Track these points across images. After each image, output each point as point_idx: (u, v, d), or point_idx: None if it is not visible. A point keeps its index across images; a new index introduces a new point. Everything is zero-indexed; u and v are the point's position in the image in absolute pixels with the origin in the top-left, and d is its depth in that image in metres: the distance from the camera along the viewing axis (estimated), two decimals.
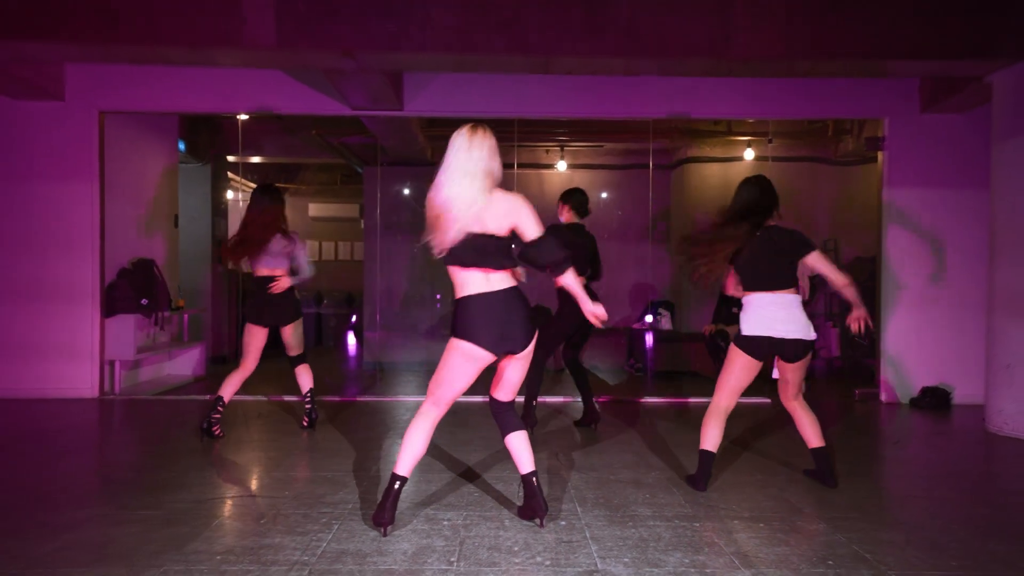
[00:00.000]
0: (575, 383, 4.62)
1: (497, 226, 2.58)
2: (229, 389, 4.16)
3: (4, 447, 4.00)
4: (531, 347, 2.67)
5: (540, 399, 5.15)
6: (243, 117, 6.79)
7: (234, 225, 11.09)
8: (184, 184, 8.01)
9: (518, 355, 2.66)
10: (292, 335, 4.41)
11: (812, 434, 3.25)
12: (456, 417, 4.92)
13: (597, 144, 7.91)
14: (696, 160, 8.17)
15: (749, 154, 7.79)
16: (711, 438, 3.21)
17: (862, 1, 4.38)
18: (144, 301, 6.02)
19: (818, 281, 7.61)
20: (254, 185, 11.08)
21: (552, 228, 2.76)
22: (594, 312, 2.67)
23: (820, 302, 7.81)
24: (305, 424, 4.46)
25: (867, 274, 6.54)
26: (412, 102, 5.75)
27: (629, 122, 6.08)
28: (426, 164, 8.40)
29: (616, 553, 2.46)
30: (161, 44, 4.30)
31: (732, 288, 3.41)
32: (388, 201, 8.18)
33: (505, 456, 3.73)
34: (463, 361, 2.59)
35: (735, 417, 4.93)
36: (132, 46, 4.31)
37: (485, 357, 2.58)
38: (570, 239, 4.03)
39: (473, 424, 4.67)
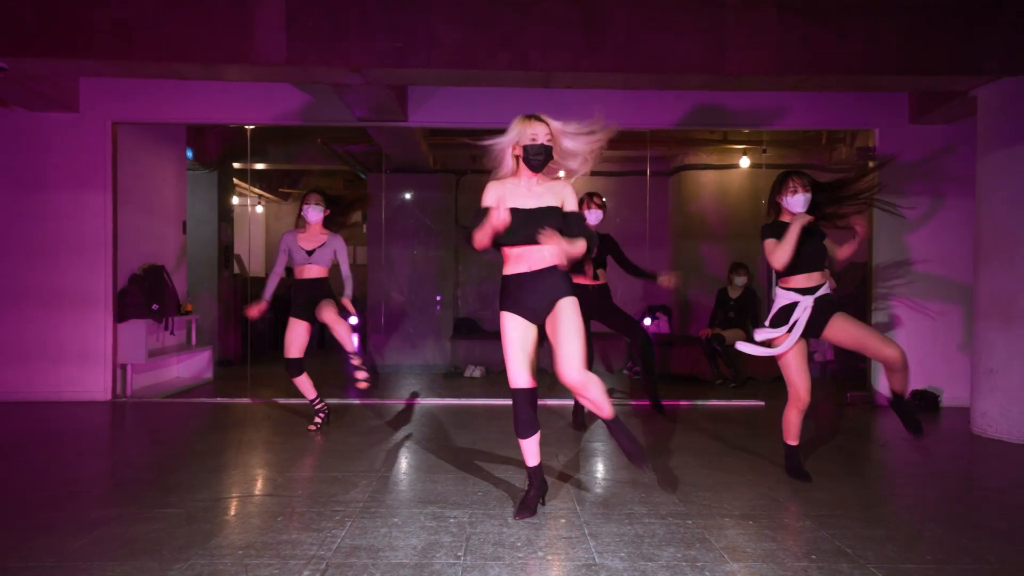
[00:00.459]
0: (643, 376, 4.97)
1: None
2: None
3: (25, 448, 4.16)
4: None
5: (540, 401, 5.35)
6: (250, 127, 6.95)
7: (240, 231, 11.30)
8: (192, 190, 8.19)
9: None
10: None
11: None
12: (459, 419, 5.09)
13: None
14: (693, 167, 8.34)
15: (744, 162, 7.96)
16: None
17: (851, 19, 4.56)
18: (155, 306, 6.19)
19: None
20: (260, 192, 11.24)
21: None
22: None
23: None
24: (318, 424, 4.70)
25: (859, 279, 6.71)
26: (416, 113, 5.92)
27: (627, 132, 6.23)
28: (428, 171, 8.58)
29: (613, 548, 2.62)
30: (175, 60, 4.46)
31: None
32: (389, 207, 8.34)
33: (507, 457, 3.90)
34: None
35: (729, 419, 5.13)
36: (146, 62, 4.47)
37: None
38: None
39: (476, 426, 4.83)
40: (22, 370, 5.72)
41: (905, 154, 5.91)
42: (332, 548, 2.57)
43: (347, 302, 4.61)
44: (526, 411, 2.93)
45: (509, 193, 2.93)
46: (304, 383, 4.67)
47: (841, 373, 7.45)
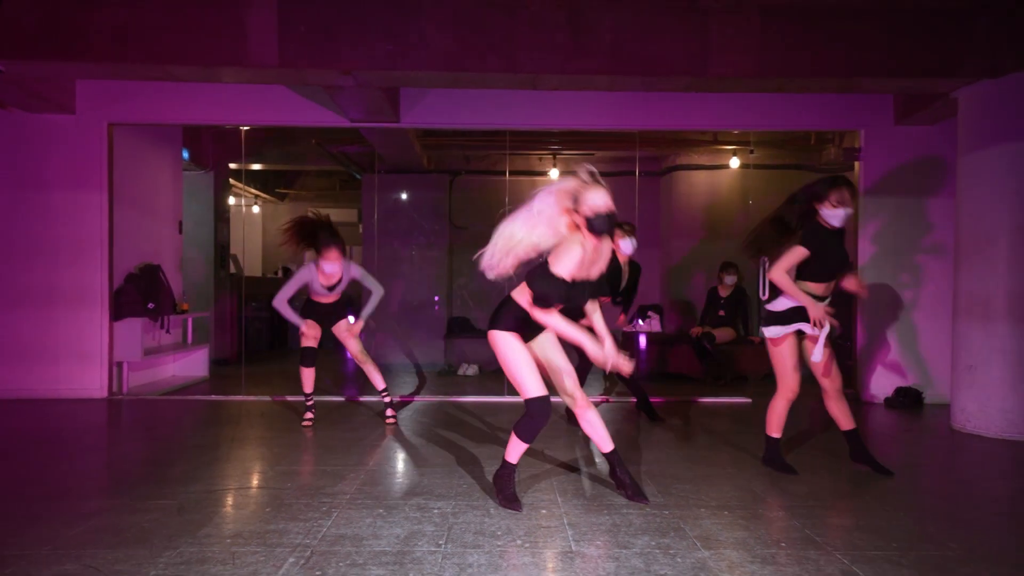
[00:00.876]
0: (628, 388, 5.08)
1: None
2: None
3: (22, 445, 4.25)
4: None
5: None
6: (247, 128, 7.03)
7: (237, 231, 11.38)
8: (188, 191, 8.27)
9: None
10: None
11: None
12: (451, 416, 5.18)
13: (588, 152, 8.17)
14: (684, 168, 8.44)
15: (734, 162, 8.06)
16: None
17: (833, 22, 4.65)
18: (151, 305, 6.27)
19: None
20: (256, 192, 11.32)
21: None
22: None
23: None
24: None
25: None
26: (408, 114, 6.01)
27: (616, 132, 6.34)
28: (422, 171, 8.67)
29: (589, 537, 2.71)
30: (169, 63, 4.55)
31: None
32: (384, 207, 8.43)
33: (491, 451, 3.99)
34: None
35: (717, 415, 5.21)
36: (142, 65, 4.56)
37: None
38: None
39: (468, 422, 4.92)
40: (19, 368, 5.80)
41: (890, 154, 6.00)
42: (318, 537, 2.66)
43: (359, 323, 4.78)
44: (542, 423, 2.99)
45: (584, 264, 2.91)
46: (309, 376, 4.80)
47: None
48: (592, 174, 2.93)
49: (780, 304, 3.58)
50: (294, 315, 4.67)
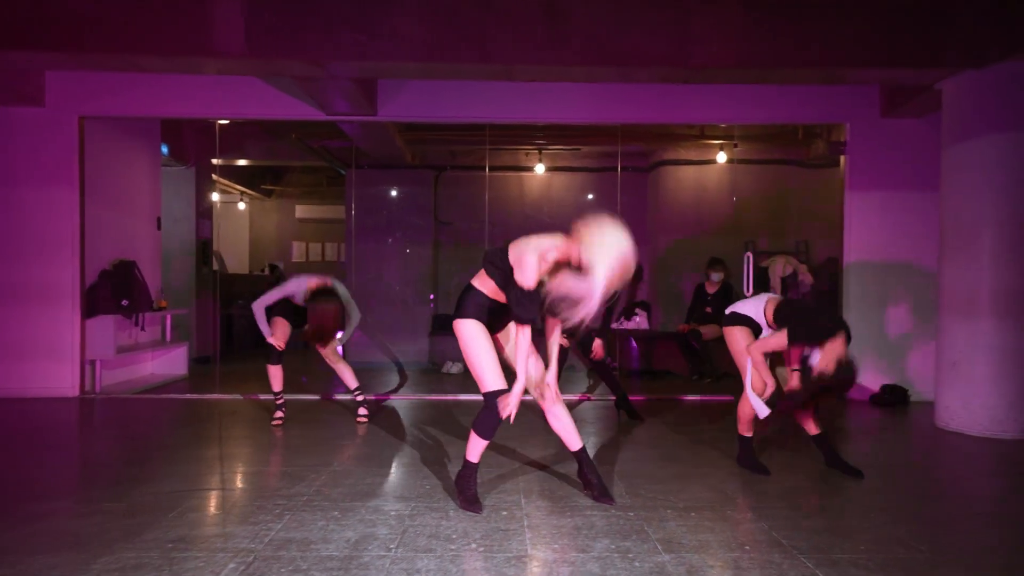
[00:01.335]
0: (607, 385, 4.92)
1: None
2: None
3: None
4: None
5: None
6: (223, 122, 6.92)
7: (220, 228, 11.24)
8: (169, 187, 8.16)
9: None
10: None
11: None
12: (427, 415, 5.08)
13: (574, 148, 8.06)
14: (671, 163, 8.33)
15: (722, 157, 7.96)
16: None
17: (815, 12, 4.54)
18: (124, 302, 6.16)
19: (789, 282, 7.81)
20: (240, 188, 11.20)
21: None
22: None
23: None
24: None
25: (832, 273, 6.71)
26: (386, 107, 5.90)
27: (597, 126, 6.23)
28: (406, 167, 8.57)
29: (548, 540, 2.61)
30: (132, 52, 4.44)
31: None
32: (368, 203, 8.33)
33: (462, 451, 3.88)
34: None
35: (699, 414, 5.09)
36: (103, 54, 4.45)
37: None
38: None
39: (444, 422, 4.82)
40: None
41: (877, 148, 5.90)
42: (264, 541, 2.56)
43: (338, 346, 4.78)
44: (497, 417, 2.88)
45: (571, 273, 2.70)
46: (276, 374, 4.70)
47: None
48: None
49: (745, 308, 3.58)
50: (265, 325, 4.63)
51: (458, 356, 7.88)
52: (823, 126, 7.41)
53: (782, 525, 2.77)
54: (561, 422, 3.03)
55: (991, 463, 3.94)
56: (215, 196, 10.34)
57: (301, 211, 11.69)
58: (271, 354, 4.67)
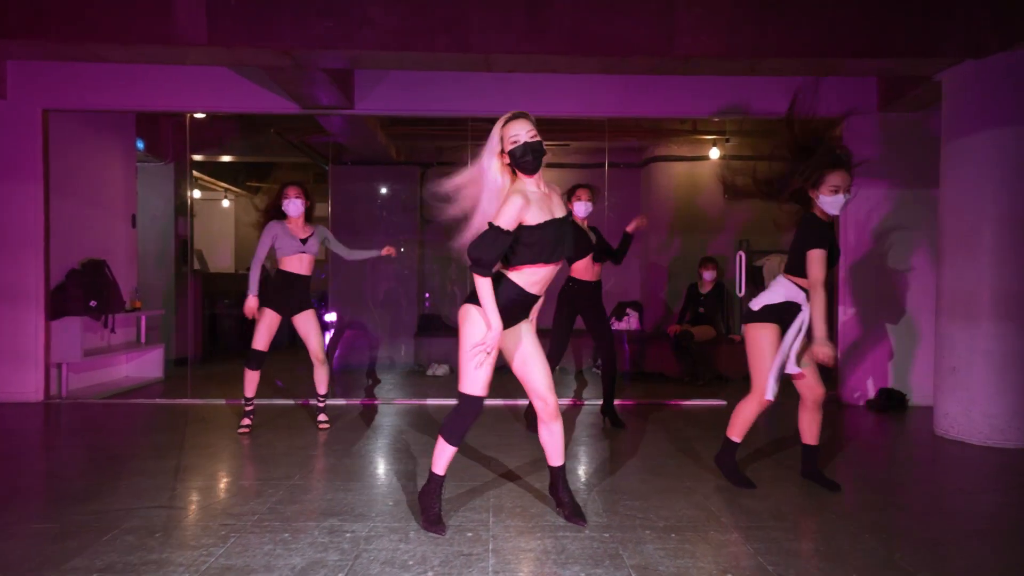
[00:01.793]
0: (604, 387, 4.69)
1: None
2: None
3: None
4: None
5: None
6: (199, 116, 6.69)
7: (203, 226, 11.00)
8: (146, 183, 7.93)
9: None
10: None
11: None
12: (409, 421, 4.86)
13: (563, 143, 7.84)
14: (663, 159, 8.11)
15: (714, 153, 7.74)
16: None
17: (807, 0, 4.32)
18: (92, 303, 5.94)
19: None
20: (224, 185, 10.97)
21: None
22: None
23: None
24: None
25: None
26: (363, 100, 5.67)
27: (584, 120, 6.00)
28: (391, 163, 8.34)
29: (512, 566, 2.39)
30: (91, 41, 4.21)
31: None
32: (350, 201, 8.10)
33: (426, 466, 3.66)
34: None
35: (687, 419, 4.86)
36: (61, 43, 4.22)
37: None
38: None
39: (424, 429, 4.60)
40: None
41: (873, 143, 5.68)
42: (200, 570, 2.34)
43: (389, 249, 4.70)
44: (469, 424, 2.69)
45: (534, 205, 2.58)
46: (253, 379, 4.46)
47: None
48: (514, 114, 2.64)
49: (774, 295, 3.20)
50: (256, 283, 4.34)
51: (444, 358, 7.66)
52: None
53: (769, 547, 2.56)
54: (553, 436, 2.82)
55: (993, 475, 3.73)
56: (196, 193, 10.12)
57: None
58: (251, 358, 4.40)
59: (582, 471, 3.60)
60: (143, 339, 7.01)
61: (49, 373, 5.67)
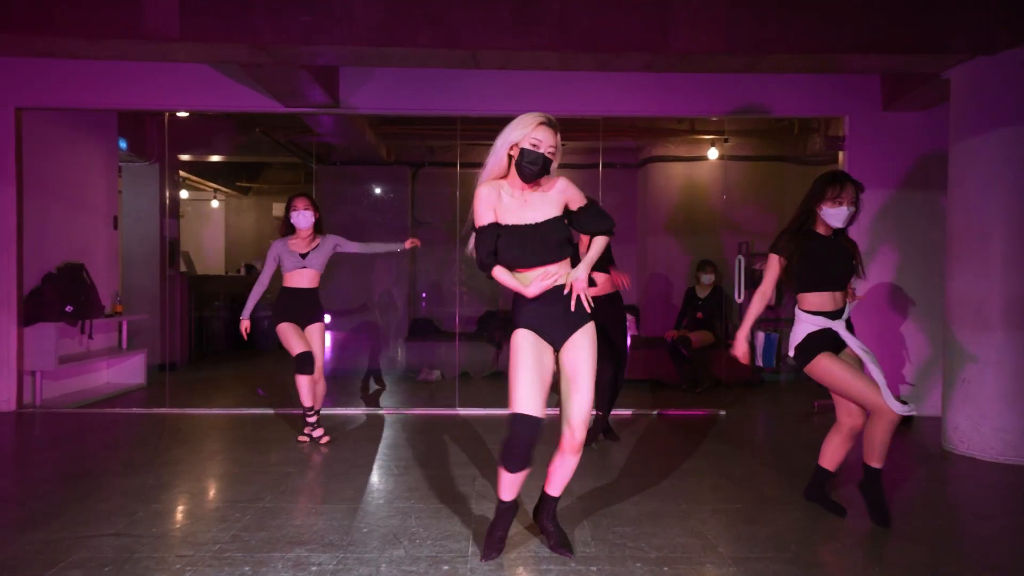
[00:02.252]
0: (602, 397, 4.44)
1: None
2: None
3: None
4: None
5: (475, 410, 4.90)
6: (182, 114, 6.49)
7: (193, 227, 10.80)
8: (131, 184, 7.73)
9: None
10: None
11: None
12: (399, 432, 4.66)
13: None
14: (660, 159, 7.91)
15: (713, 153, 7.53)
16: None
17: None
18: (68, 308, 5.73)
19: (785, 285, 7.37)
20: (213, 185, 10.76)
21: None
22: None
23: (789, 306, 7.56)
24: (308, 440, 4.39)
25: None
26: (349, 99, 5.46)
27: (577, 119, 5.79)
28: (382, 163, 8.14)
29: None
30: (57, 35, 4.00)
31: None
32: (339, 201, 7.90)
33: (414, 482, 3.45)
34: None
35: (685, 431, 4.62)
36: (25, 36, 4.02)
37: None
38: None
39: (412, 442, 4.40)
40: None
41: (877, 143, 5.48)
42: None
43: (413, 241, 4.54)
44: (526, 443, 2.45)
45: (504, 207, 2.51)
46: (305, 384, 4.24)
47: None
48: (548, 119, 2.49)
49: (797, 335, 3.00)
50: (251, 306, 4.28)
51: (436, 363, 7.47)
52: (820, 120, 6.98)
53: None
54: (564, 468, 2.60)
55: (1009, 497, 3.53)
56: (184, 193, 9.91)
57: (279, 209, 11.22)
58: (300, 363, 4.19)
59: (568, 489, 3.39)
60: (124, 344, 6.80)
61: (22, 381, 5.47)
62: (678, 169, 7.88)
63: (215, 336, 9.16)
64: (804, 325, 2.98)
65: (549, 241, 2.48)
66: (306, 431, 4.38)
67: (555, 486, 2.65)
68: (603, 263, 4.44)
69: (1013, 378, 4.04)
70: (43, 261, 5.75)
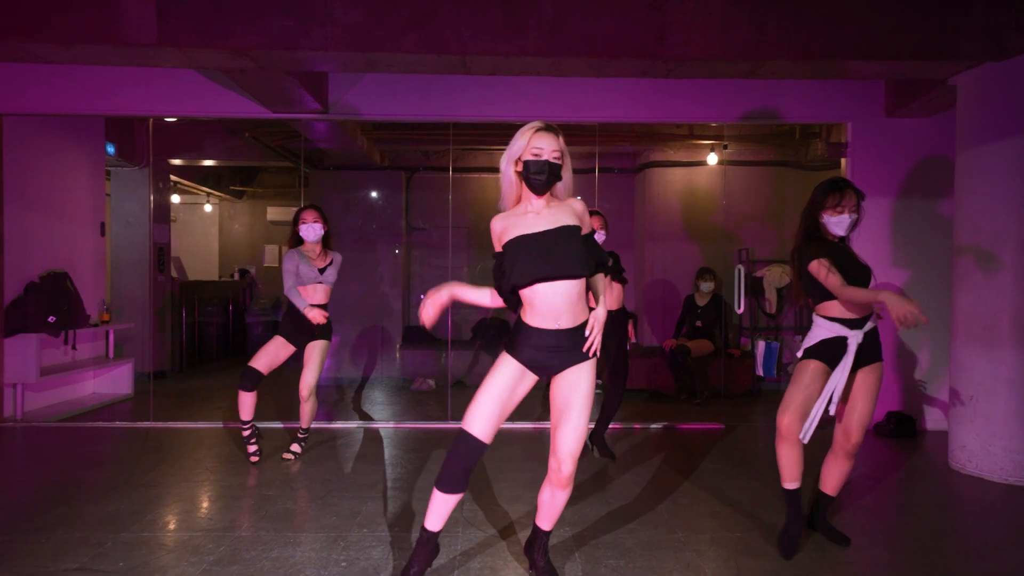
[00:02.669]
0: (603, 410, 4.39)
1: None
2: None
3: None
4: None
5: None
6: (171, 119, 6.35)
7: (185, 232, 10.66)
8: (120, 189, 7.60)
9: None
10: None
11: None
12: (383, 447, 4.51)
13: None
14: (659, 164, 7.76)
15: (712, 158, 7.38)
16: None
17: None
18: (51, 318, 5.59)
19: (785, 294, 7.24)
20: (206, 189, 10.61)
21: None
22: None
23: (789, 315, 7.43)
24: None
25: None
26: (338, 105, 5.32)
27: (573, 125, 5.65)
28: (375, 168, 7.99)
29: None
30: (31, 40, 3.86)
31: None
32: (332, 207, 7.74)
33: (392, 511, 3.31)
34: None
35: (684, 447, 4.44)
36: None
37: None
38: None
39: (406, 458, 4.25)
40: None
41: (881, 150, 5.34)
42: None
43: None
44: (462, 463, 2.32)
45: (511, 225, 2.36)
46: (246, 401, 4.09)
47: None
48: (545, 125, 2.36)
49: (812, 337, 2.88)
50: (301, 299, 4.10)
51: (430, 372, 7.33)
52: (822, 126, 6.84)
53: None
54: (554, 502, 2.46)
55: (1016, 521, 3.37)
56: (176, 198, 9.77)
57: (273, 213, 11.08)
58: (246, 376, 4.05)
59: (563, 516, 3.25)
60: (111, 354, 6.66)
61: (3, 394, 5.33)
62: (677, 174, 7.74)
63: (207, 342, 9.01)
64: (819, 330, 2.86)
65: (556, 250, 2.27)
66: (297, 448, 4.27)
67: (546, 520, 2.51)
68: (616, 274, 4.38)
69: None
70: (25, 270, 5.61)
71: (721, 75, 4.42)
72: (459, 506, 3.38)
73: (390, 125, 6.91)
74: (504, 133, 7.56)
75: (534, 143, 2.30)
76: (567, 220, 2.34)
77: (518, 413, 5.62)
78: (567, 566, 2.69)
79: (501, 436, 4.94)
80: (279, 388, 5.98)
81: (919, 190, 5.34)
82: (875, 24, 3.98)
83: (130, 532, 3.02)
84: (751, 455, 4.59)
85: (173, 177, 8.55)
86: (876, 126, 5.34)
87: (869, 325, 2.84)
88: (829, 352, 2.82)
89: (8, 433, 4.99)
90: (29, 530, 3.02)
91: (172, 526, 3.13)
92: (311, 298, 4.16)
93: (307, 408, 4.20)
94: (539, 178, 2.29)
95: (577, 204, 2.42)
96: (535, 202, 2.36)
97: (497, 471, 4.03)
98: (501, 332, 7.59)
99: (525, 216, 2.36)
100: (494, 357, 7.33)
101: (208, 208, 10.79)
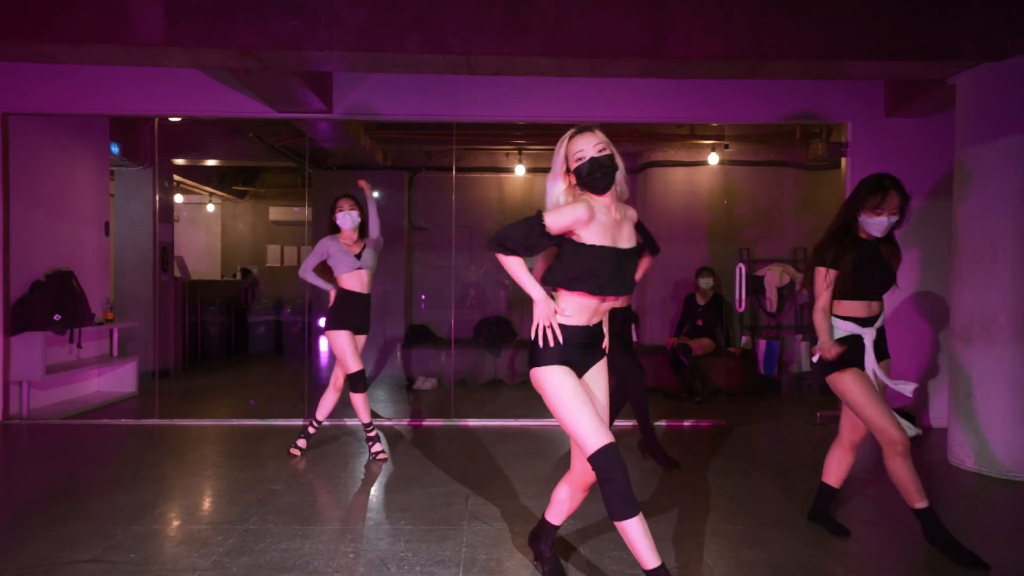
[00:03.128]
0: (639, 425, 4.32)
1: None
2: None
3: None
4: None
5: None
6: (175, 119, 6.39)
7: (188, 232, 10.71)
8: (124, 189, 7.64)
9: None
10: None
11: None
12: (399, 443, 4.55)
13: (549, 147, 7.53)
14: (660, 164, 7.80)
15: (713, 158, 7.43)
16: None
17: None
18: (56, 317, 5.63)
19: (786, 293, 7.28)
20: (209, 189, 10.67)
21: None
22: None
23: (790, 314, 7.46)
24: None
25: None
26: (342, 104, 5.37)
27: (574, 125, 5.69)
28: (378, 168, 8.03)
29: None
30: (39, 41, 3.90)
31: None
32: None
33: (398, 505, 3.35)
34: None
35: (685, 444, 4.46)
36: (7, 42, 3.91)
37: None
38: None
39: (412, 454, 4.29)
40: None
41: (881, 150, 5.38)
42: None
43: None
44: (624, 478, 2.13)
45: (597, 225, 2.22)
46: (360, 403, 4.16)
47: (818, 388, 6.92)
48: (579, 128, 2.33)
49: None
50: (320, 280, 4.17)
51: (432, 371, 7.36)
52: (822, 125, 6.89)
53: None
54: (571, 501, 2.51)
55: (1015, 517, 3.41)
56: (179, 198, 9.82)
57: (275, 213, 11.15)
58: (354, 382, 4.11)
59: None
60: (115, 352, 6.71)
61: (9, 391, 5.37)
62: (678, 174, 7.78)
63: (210, 341, 9.06)
64: (833, 330, 2.87)
65: (627, 268, 2.28)
66: (303, 444, 4.30)
67: (557, 515, 2.55)
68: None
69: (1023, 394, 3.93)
70: (31, 269, 5.65)
71: (722, 75, 4.47)
72: (464, 500, 3.42)
73: (393, 125, 6.94)
74: (506, 133, 7.62)
75: (573, 149, 2.26)
76: (634, 237, 2.33)
77: (520, 410, 5.67)
78: (571, 559, 2.73)
79: (504, 433, 4.99)
80: (293, 387, 6.02)
81: (919, 190, 5.37)
82: (875, 24, 4.02)
83: (139, 525, 3.07)
84: (751, 451, 4.63)
85: (176, 177, 8.60)
86: (876, 126, 5.38)
87: (879, 323, 2.88)
88: (849, 356, 2.82)
89: (14, 430, 5.03)
90: (39, 524, 3.07)
91: (180, 519, 3.17)
92: (355, 286, 4.16)
93: (333, 398, 4.26)
94: (595, 176, 2.21)
95: (633, 214, 2.41)
96: (608, 207, 2.27)
97: (501, 467, 4.07)
98: (503, 331, 7.63)
99: (607, 224, 2.25)
100: (495, 356, 7.36)
101: (211, 208, 10.84)
